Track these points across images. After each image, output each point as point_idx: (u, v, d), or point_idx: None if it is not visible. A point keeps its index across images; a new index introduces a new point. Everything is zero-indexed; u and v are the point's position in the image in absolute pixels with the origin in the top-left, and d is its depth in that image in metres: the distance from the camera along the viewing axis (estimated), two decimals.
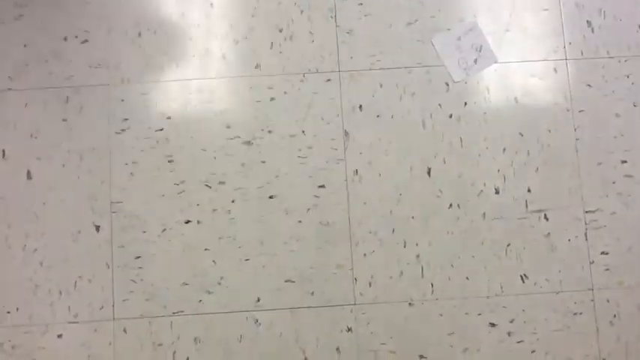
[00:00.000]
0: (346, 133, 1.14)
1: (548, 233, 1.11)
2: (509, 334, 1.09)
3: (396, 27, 1.17)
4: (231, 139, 1.13)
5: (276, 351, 1.08)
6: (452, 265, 1.11)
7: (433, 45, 1.16)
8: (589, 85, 1.15)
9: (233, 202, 1.11)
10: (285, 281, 1.10)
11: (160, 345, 1.08)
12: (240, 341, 1.08)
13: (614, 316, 1.10)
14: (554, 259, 1.11)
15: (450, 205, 1.12)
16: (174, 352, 1.07)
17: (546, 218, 1.12)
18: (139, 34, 1.16)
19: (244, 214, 1.11)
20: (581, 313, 1.10)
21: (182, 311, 1.09)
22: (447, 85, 1.15)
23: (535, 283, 1.10)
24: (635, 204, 1.12)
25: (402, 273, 1.10)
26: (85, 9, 1.16)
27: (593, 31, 1.17)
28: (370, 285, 1.10)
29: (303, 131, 1.13)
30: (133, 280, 1.09)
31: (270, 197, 1.11)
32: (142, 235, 1.10)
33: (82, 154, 1.12)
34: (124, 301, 1.09)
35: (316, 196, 1.12)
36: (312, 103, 1.14)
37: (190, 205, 1.11)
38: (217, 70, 1.15)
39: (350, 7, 1.17)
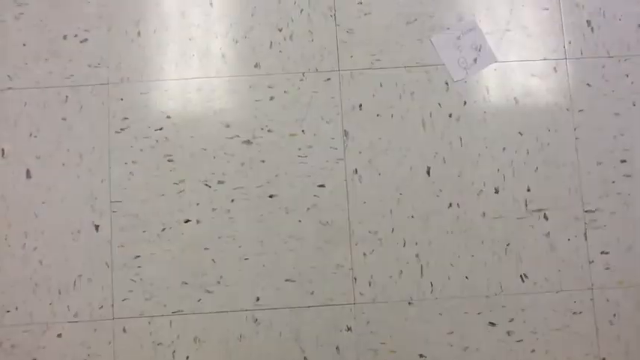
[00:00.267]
0: (346, 133, 1.14)
1: (548, 233, 1.11)
2: (508, 333, 1.09)
3: (396, 26, 1.17)
4: (231, 138, 1.13)
5: (276, 350, 1.08)
6: (451, 265, 1.11)
7: (433, 44, 1.16)
8: (589, 85, 1.15)
9: (232, 201, 1.11)
10: (285, 280, 1.10)
11: (160, 344, 1.08)
12: (239, 340, 1.08)
13: (614, 315, 1.10)
14: (553, 259, 1.11)
15: (450, 204, 1.12)
16: (173, 352, 1.07)
17: (546, 218, 1.12)
18: (139, 34, 1.16)
19: (244, 214, 1.11)
20: (580, 313, 1.10)
21: (182, 310, 1.09)
22: (447, 84, 1.15)
23: (535, 283, 1.10)
24: (635, 203, 1.12)
25: (401, 272, 1.10)
26: (84, 8, 1.16)
27: (592, 30, 1.17)
28: (370, 284, 1.10)
29: (302, 130, 1.13)
30: (133, 280, 1.09)
31: (270, 196, 1.11)
32: (142, 235, 1.10)
33: (81, 153, 1.12)
34: (123, 300, 1.09)
35: (316, 196, 1.12)
36: (311, 103, 1.14)
37: (190, 204, 1.11)
38: (217, 70, 1.15)
39: (349, 7, 1.16)
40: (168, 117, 1.13)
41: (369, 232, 1.11)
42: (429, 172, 1.13)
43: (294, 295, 1.09)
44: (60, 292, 1.09)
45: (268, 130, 1.13)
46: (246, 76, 1.15)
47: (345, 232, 1.11)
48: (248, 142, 1.13)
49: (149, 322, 1.08)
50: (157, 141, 1.13)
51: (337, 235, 1.11)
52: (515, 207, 1.12)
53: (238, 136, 1.13)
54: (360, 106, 1.14)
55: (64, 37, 1.15)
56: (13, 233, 1.10)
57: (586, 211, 1.12)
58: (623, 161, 1.13)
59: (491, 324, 1.09)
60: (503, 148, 1.14)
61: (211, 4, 1.17)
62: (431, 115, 1.14)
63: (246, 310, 1.09)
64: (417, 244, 1.11)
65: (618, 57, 1.16)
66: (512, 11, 1.18)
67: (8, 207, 1.11)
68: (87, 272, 1.09)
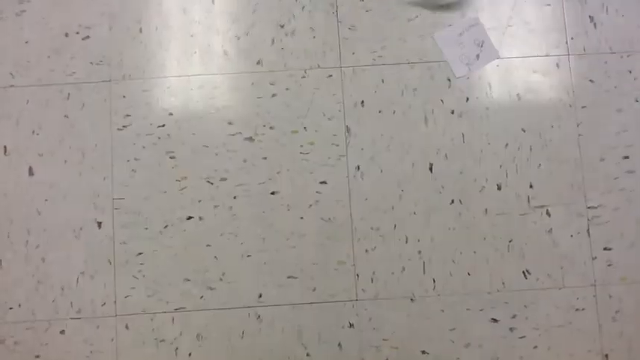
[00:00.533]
0: (348, 129, 1.13)
1: (551, 229, 1.11)
2: (511, 329, 1.09)
3: (398, 22, 1.16)
4: (233, 135, 1.13)
5: (278, 347, 1.08)
6: (453, 261, 1.10)
7: (435, 40, 1.16)
8: (591, 81, 1.15)
9: (235, 198, 1.11)
10: (287, 277, 1.10)
11: (163, 341, 1.08)
12: (242, 337, 1.08)
13: (617, 311, 1.09)
14: (556, 255, 1.11)
15: (452, 200, 1.12)
16: (176, 348, 1.08)
17: (548, 214, 1.12)
18: (141, 31, 1.16)
19: (246, 211, 1.11)
20: (583, 309, 1.10)
21: (184, 307, 1.09)
22: (449, 80, 1.15)
23: (537, 279, 1.10)
24: (638, 200, 1.12)
25: (403, 269, 1.10)
26: (86, 5, 1.16)
27: (595, 26, 1.17)
28: (372, 281, 1.10)
29: (304, 127, 1.13)
30: (135, 277, 1.09)
31: (272, 193, 1.11)
32: (144, 232, 1.10)
33: (83, 150, 1.12)
34: (126, 297, 1.09)
35: (318, 192, 1.12)
36: (313, 99, 1.14)
37: (192, 201, 1.11)
38: (219, 66, 1.15)
39: (351, 3, 1.16)
40: (171, 114, 1.13)
41: (371, 228, 1.11)
42: (431, 169, 1.13)
43: (296, 292, 1.09)
44: (62, 289, 1.09)
45: (270, 127, 1.13)
46: (248, 73, 1.15)
47: (347, 229, 1.11)
48: (250, 138, 1.13)
49: (151, 319, 1.08)
50: (159, 138, 1.13)
51: (339, 232, 1.11)
52: (518, 203, 1.12)
53: (240, 132, 1.13)
54: (362, 102, 1.14)
55: (66, 35, 1.15)
56: (16, 231, 1.10)
57: (589, 208, 1.12)
58: (626, 157, 1.13)
59: (494, 320, 1.09)
60: (506, 145, 1.13)
61: (213, 1, 1.17)
62: (433, 112, 1.14)
63: (249, 307, 1.09)
64: (419, 240, 1.11)
65: (621, 53, 1.16)
66: (514, 7, 1.17)
67: (11, 204, 1.11)
68: (89, 269, 1.09)
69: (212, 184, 1.12)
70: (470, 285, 1.10)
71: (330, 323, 1.09)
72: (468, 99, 1.15)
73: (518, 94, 1.15)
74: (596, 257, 1.11)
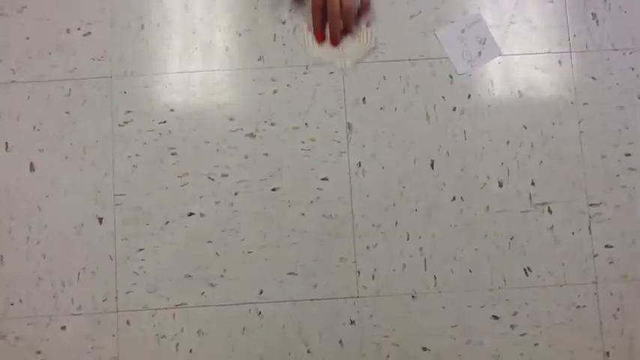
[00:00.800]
0: (349, 126, 1.13)
1: (552, 226, 1.11)
2: (512, 327, 1.09)
3: (400, 19, 1.16)
4: (234, 131, 1.13)
5: (279, 343, 1.08)
6: (455, 258, 1.10)
7: (437, 37, 1.16)
8: (593, 78, 1.15)
9: (236, 194, 1.11)
10: (288, 274, 1.10)
11: (164, 337, 1.08)
12: (243, 333, 1.08)
13: (618, 309, 1.09)
14: (557, 252, 1.11)
15: (454, 198, 1.12)
16: (177, 344, 1.08)
17: (550, 211, 1.12)
18: (142, 27, 1.16)
19: (247, 207, 1.11)
20: (584, 307, 1.09)
21: (185, 303, 1.09)
22: (451, 77, 1.15)
23: (538, 276, 1.10)
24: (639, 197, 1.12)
25: (404, 266, 1.10)
26: (87, 2, 1.16)
27: (598, 23, 1.16)
28: (373, 278, 1.10)
29: (306, 124, 1.13)
30: (136, 273, 1.09)
31: (273, 190, 1.11)
32: (145, 228, 1.10)
33: (85, 146, 1.12)
34: (127, 293, 1.09)
35: (319, 189, 1.11)
36: (315, 96, 1.14)
37: (193, 197, 1.11)
38: (220, 63, 1.15)
39: None
40: (172, 110, 1.13)
41: (373, 225, 1.11)
42: (432, 166, 1.13)
43: (297, 289, 1.09)
44: (64, 285, 1.09)
45: (271, 123, 1.13)
46: (250, 69, 1.14)
47: (349, 226, 1.11)
48: (251, 135, 1.13)
49: (153, 315, 1.08)
50: (160, 134, 1.13)
51: (340, 229, 1.11)
52: (520, 200, 1.12)
53: (242, 129, 1.13)
54: (364, 99, 1.14)
55: (68, 31, 1.15)
56: (17, 226, 1.10)
57: (590, 205, 1.12)
58: (628, 155, 1.13)
59: (495, 317, 1.09)
60: (508, 142, 1.13)
61: None
62: (435, 109, 1.14)
63: (250, 303, 1.09)
64: (420, 237, 1.11)
65: (623, 50, 1.15)
66: (516, 4, 1.17)
67: (12, 200, 1.11)
68: (90, 265, 1.09)
69: (213, 180, 1.12)
70: (471, 282, 1.10)
71: (331, 320, 1.09)
72: (469, 96, 1.14)
73: (519, 91, 1.15)
74: (597, 254, 1.11)
